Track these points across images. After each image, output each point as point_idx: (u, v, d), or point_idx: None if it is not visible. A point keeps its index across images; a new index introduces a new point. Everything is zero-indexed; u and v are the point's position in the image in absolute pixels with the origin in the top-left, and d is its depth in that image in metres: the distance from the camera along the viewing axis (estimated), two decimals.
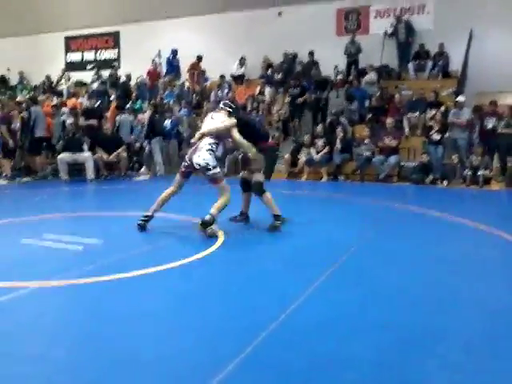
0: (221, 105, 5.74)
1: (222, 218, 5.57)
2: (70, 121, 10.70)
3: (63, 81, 15.74)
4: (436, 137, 10.00)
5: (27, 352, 2.66)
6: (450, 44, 12.76)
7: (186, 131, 12.14)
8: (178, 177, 5.52)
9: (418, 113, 11.12)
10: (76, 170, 10.71)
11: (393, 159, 10.09)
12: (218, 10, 15.44)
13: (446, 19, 13.11)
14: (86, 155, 10.31)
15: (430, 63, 12.90)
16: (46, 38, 17.88)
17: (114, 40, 17.36)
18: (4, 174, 10.33)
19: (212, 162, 5.27)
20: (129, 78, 14.74)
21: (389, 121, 10.59)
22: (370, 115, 11.44)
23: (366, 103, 12.05)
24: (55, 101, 13.22)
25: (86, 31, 17.62)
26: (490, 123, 10.06)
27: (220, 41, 15.48)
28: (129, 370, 2.44)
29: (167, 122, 11.92)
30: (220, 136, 5.51)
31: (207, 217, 5.12)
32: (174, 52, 14.86)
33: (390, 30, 13.58)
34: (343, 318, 3.06)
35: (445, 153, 9.93)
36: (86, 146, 10.41)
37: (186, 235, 5.38)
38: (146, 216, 5.45)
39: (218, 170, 5.33)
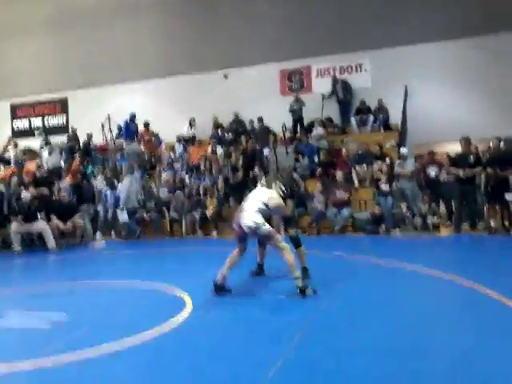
0: (277, 187, 5.91)
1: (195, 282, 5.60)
2: (26, 193, 10.35)
3: (10, 148, 15.45)
4: (385, 188, 10.48)
5: None
6: (388, 99, 13.61)
7: None
8: (236, 241, 5.54)
9: (365, 165, 11.64)
10: (29, 240, 10.43)
11: (345, 212, 10.47)
12: (165, 74, 15.89)
13: (382, 77, 14.07)
14: (42, 225, 10.07)
15: (371, 118, 13.65)
16: None
17: (61, 106, 17.37)
18: None
19: (260, 219, 5.30)
20: (89, 137, 14.77)
21: (338, 174, 11.03)
22: (319, 169, 11.87)
23: (315, 158, 12.52)
24: (2, 169, 13.02)
25: (32, 98, 17.56)
26: (432, 171, 10.70)
27: (170, 103, 15.84)
28: None
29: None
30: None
31: (299, 284, 5.15)
32: (133, 116, 14.76)
33: (328, 92, 14.34)
34: (320, 377, 3.18)
35: (394, 202, 10.39)
36: (40, 215, 10.18)
37: (150, 302, 5.34)
38: (219, 286, 5.35)
39: (267, 225, 5.34)
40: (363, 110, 13.96)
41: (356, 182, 11.40)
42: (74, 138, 15.29)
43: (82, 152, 14.01)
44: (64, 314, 4.94)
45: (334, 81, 14.43)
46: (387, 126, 13.55)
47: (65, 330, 4.46)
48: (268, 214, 5.55)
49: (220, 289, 5.32)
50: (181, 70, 15.74)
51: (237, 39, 15.26)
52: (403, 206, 10.23)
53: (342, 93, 14.24)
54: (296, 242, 5.94)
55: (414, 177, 10.53)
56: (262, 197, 5.57)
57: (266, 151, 12.71)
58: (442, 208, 10.48)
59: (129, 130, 14.69)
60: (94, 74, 16.37)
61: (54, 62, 17.01)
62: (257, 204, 5.48)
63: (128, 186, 11.36)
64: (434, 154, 11.11)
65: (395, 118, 13.34)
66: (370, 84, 14.45)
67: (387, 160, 11.34)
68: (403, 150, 10.83)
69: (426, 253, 8.22)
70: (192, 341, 4.11)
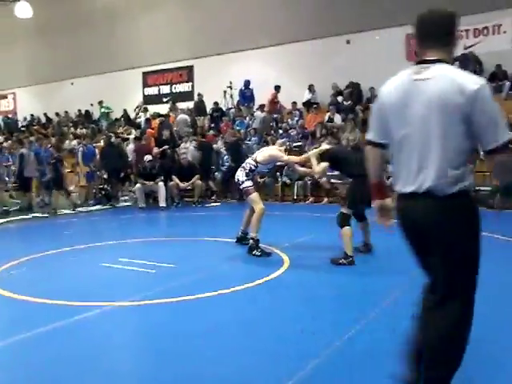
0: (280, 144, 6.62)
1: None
2: (148, 157, 11.07)
3: (141, 113, 16.57)
4: None
5: (99, 367, 2.85)
6: None
7: None
8: None
9: None
10: (153, 198, 11.23)
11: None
12: (286, 40, 15.76)
13: None
14: (159, 184, 10.81)
15: (507, 84, 12.42)
16: (125, 75, 19.01)
17: (187, 74, 18.15)
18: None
19: (242, 177, 5.79)
20: (216, 105, 15.52)
21: None
22: None
23: None
24: (134, 133, 14.00)
25: (161, 67, 18.57)
26: None
27: (290, 70, 15.73)
28: None
29: None
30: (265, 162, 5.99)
31: (250, 242, 5.63)
32: (247, 83, 15.22)
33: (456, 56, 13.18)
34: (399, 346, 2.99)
35: None
36: (159, 178, 10.87)
37: (252, 259, 5.50)
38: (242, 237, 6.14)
39: (248, 183, 5.78)
40: (499, 75, 12.74)
41: (481, 152, 10.50)
42: (200, 103, 16.01)
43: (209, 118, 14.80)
44: (173, 265, 5.27)
45: (463, 56, 13.17)
46: None
47: (169, 277, 4.78)
48: (260, 169, 6.10)
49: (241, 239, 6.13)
50: (303, 37, 15.50)
51: (360, 2, 14.62)
52: None
53: (472, 67, 13.02)
54: (340, 221, 5.12)
55: None
56: (255, 155, 6.05)
57: None
58: None
59: (244, 96, 15.14)
60: (218, 43, 16.77)
61: (183, 33, 17.72)
62: (247, 161, 5.98)
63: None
64: None
65: None
66: (510, 46, 13.05)
67: None
68: None
69: None
70: (284, 295, 4.21)
